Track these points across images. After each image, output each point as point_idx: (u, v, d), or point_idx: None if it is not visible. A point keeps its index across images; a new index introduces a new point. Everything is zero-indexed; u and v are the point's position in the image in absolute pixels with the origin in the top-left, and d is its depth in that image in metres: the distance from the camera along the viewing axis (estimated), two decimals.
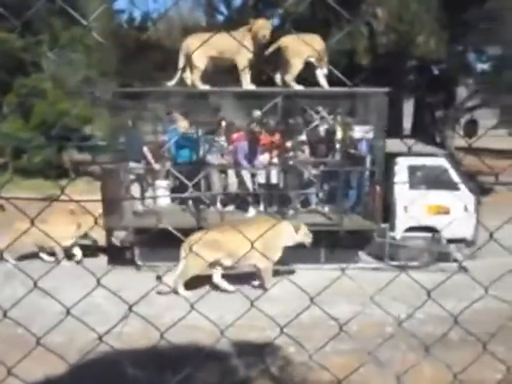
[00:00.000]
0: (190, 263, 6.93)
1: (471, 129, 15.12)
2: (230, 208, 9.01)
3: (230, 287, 7.17)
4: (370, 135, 8.51)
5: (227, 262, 7.08)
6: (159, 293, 6.82)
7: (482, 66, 15.27)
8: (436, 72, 14.58)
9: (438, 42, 10.52)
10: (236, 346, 5.42)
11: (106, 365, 4.87)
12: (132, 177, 8.66)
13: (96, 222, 7.55)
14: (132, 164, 8.56)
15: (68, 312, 1.78)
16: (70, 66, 15.76)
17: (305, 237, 7.28)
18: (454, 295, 5.75)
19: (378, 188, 8.07)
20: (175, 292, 6.93)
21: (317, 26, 10.49)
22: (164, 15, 18.37)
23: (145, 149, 8.68)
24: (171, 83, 7.97)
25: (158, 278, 7.46)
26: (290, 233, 7.22)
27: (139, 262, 8.29)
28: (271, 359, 5.27)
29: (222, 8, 17.89)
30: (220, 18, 17.66)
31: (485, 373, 4.70)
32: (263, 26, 7.50)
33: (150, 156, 8.72)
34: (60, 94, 16.25)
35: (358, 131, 8.76)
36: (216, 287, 7.20)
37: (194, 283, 7.04)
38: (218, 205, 8.87)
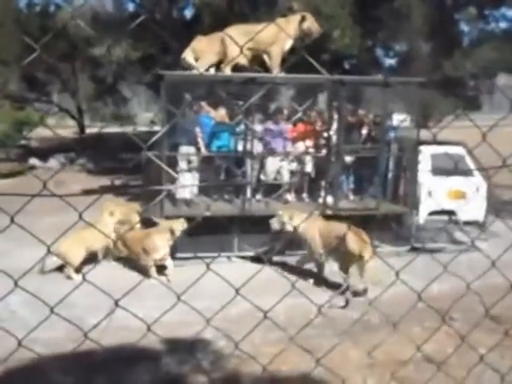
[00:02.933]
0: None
1: None
2: (259, 196, 8.93)
3: None
4: (407, 123, 9.00)
5: None
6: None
7: (389, 62, 16.12)
8: (347, 67, 15.03)
9: (352, 36, 10.89)
10: (167, 343, 5.32)
11: (31, 372, 4.63)
12: (182, 164, 8.37)
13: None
14: (184, 148, 8.30)
15: None
16: None
17: None
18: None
19: (408, 174, 8.76)
20: None
21: (233, 18, 10.41)
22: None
23: (197, 130, 8.39)
24: (202, 70, 7.97)
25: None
26: None
27: (179, 254, 7.88)
28: (202, 354, 5.24)
29: None
30: (129, 6, 17.14)
31: (406, 352, 4.85)
32: (317, 31, 8.23)
33: (201, 141, 8.44)
34: None
35: (396, 120, 9.19)
36: None
37: None
38: (248, 193, 8.73)
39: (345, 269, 6.94)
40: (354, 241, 6.78)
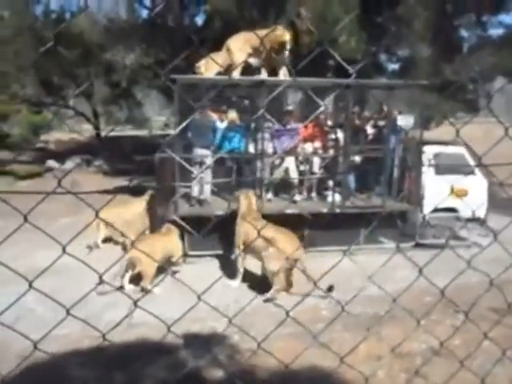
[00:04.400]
0: None
1: None
2: (270, 196, 9.18)
3: None
4: (411, 124, 9.28)
5: None
6: None
7: (392, 66, 16.56)
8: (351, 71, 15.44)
9: (357, 41, 11.26)
10: (182, 339, 5.41)
11: (49, 369, 4.72)
12: (197, 165, 8.66)
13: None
14: (198, 151, 8.63)
15: None
16: None
17: None
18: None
19: (413, 173, 9.09)
20: None
21: (243, 24, 10.81)
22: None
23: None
24: (212, 75, 8.49)
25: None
26: None
27: (189, 252, 8.26)
28: (218, 349, 5.33)
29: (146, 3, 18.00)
30: (142, 13, 17.69)
31: (411, 345, 5.19)
32: (284, 38, 8.32)
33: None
34: None
35: (401, 120, 9.40)
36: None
37: None
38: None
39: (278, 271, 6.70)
40: (287, 243, 6.71)
